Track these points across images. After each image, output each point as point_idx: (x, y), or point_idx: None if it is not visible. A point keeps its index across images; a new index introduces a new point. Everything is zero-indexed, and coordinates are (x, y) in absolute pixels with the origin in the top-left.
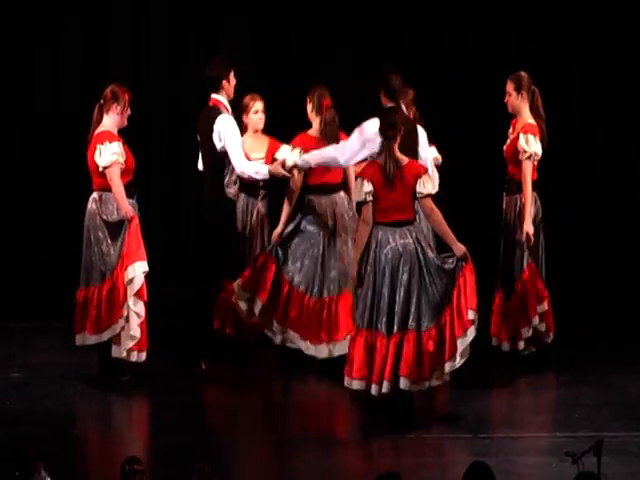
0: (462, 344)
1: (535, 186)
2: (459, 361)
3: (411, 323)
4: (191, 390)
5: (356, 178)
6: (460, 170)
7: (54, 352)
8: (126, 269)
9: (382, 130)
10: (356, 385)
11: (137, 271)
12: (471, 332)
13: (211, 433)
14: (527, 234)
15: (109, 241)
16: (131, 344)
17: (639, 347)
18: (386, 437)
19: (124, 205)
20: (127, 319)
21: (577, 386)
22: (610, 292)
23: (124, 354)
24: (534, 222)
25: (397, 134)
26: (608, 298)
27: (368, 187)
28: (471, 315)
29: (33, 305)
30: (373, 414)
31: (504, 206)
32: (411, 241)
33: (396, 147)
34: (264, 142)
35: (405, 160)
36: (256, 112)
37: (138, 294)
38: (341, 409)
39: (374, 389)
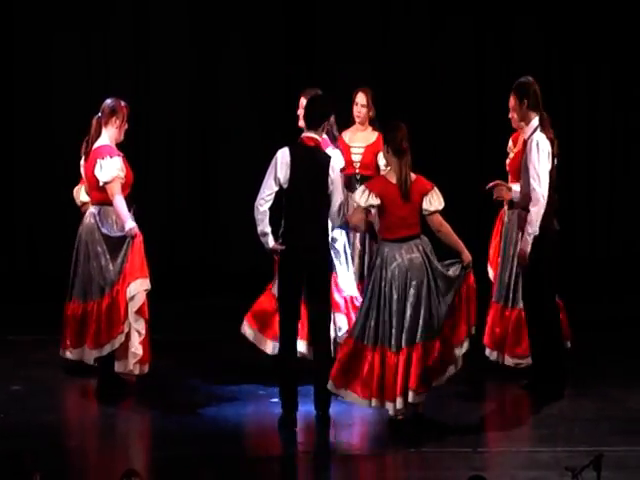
0: (458, 353)
1: None
2: (453, 372)
3: (419, 336)
4: (192, 402)
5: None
6: (460, 184)
7: (54, 365)
8: (128, 285)
9: (393, 147)
10: (364, 404)
11: (139, 288)
12: (467, 344)
13: (212, 446)
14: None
15: (107, 256)
16: (133, 361)
17: (639, 361)
18: (384, 452)
19: (128, 222)
20: (128, 336)
21: (577, 400)
22: (610, 307)
23: (129, 368)
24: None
25: (408, 149)
26: (607, 313)
27: (375, 200)
28: (472, 330)
29: (33, 318)
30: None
31: (506, 219)
32: (418, 255)
33: (409, 163)
34: (369, 135)
35: (413, 176)
36: (356, 104)
37: (139, 311)
38: (343, 424)
39: (391, 408)
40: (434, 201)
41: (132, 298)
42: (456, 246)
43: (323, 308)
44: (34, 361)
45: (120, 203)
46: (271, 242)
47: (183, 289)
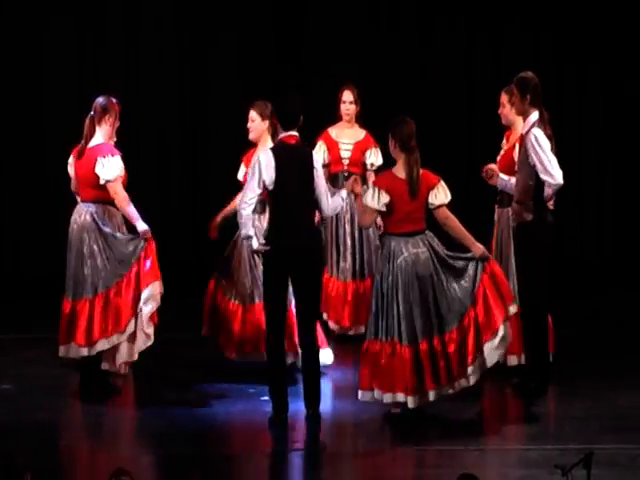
0: (491, 345)
1: None
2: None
3: (435, 329)
4: (182, 401)
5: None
6: (449, 183)
7: (44, 363)
8: (146, 287)
9: (400, 142)
10: (369, 397)
11: (155, 291)
12: (502, 329)
13: (202, 444)
14: None
15: (104, 255)
16: (121, 361)
17: (629, 359)
18: (375, 450)
19: (140, 223)
20: (131, 337)
21: (567, 398)
22: (599, 305)
23: (116, 368)
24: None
25: (416, 146)
26: (597, 311)
27: (386, 198)
28: (513, 309)
29: (23, 317)
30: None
31: (496, 218)
32: (425, 249)
33: (418, 160)
34: (357, 132)
35: (420, 171)
36: (344, 102)
37: (151, 316)
38: (338, 422)
39: (411, 401)
40: (440, 195)
41: (147, 301)
42: (464, 240)
43: (311, 307)
44: (24, 360)
45: (127, 202)
46: (255, 244)
47: (175, 288)
